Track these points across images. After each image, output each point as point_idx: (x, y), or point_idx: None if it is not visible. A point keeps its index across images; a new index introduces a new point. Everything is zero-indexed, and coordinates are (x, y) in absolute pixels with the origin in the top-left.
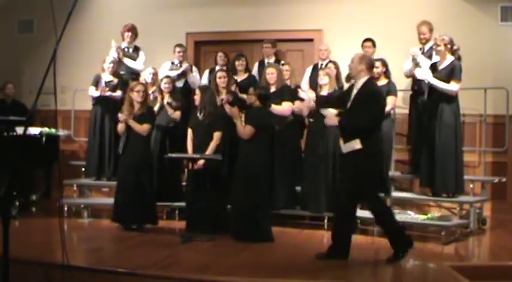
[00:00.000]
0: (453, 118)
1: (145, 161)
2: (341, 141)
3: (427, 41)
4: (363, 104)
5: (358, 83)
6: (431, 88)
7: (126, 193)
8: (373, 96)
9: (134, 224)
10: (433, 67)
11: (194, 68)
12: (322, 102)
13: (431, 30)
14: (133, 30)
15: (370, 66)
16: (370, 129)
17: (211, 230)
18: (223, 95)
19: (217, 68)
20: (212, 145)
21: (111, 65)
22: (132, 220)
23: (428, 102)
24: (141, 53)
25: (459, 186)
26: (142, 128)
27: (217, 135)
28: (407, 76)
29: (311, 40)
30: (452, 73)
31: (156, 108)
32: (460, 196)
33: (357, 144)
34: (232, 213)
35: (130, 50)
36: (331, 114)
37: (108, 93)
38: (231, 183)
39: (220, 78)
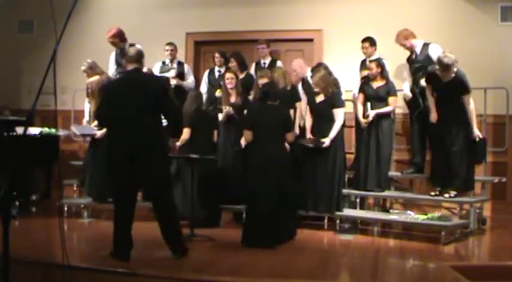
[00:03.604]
0: (465, 117)
1: None
2: None
3: (411, 47)
4: None
5: None
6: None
7: None
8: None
9: None
10: (438, 81)
11: (187, 68)
12: None
13: (406, 37)
14: (116, 37)
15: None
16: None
17: (208, 223)
18: (226, 108)
19: (216, 68)
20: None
21: (87, 72)
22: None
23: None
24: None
25: (470, 184)
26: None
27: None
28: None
29: (311, 40)
30: (462, 86)
31: None
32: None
33: None
34: (255, 216)
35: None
36: None
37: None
38: (250, 185)
39: (228, 79)
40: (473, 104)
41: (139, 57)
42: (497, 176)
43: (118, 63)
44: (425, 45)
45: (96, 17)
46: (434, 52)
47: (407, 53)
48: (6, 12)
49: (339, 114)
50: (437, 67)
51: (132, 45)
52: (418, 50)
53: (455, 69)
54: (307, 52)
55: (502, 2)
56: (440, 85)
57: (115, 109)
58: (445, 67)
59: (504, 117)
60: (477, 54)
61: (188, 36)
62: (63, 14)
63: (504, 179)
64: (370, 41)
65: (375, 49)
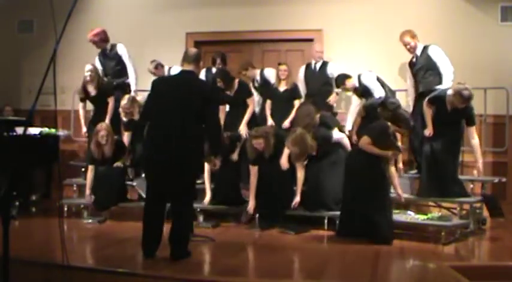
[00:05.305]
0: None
1: None
2: None
3: (414, 47)
4: None
5: None
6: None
7: None
8: None
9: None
10: (443, 105)
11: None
12: None
13: (413, 36)
14: (96, 36)
15: None
16: None
17: None
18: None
19: (214, 69)
20: None
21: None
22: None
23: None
24: (120, 48)
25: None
26: None
27: None
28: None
29: (311, 40)
30: (469, 117)
31: None
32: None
33: None
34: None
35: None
36: None
37: None
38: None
39: None
40: (477, 139)
41: (197, 59)
42: (497, 176)
43: (102, 64)
44: (425, 47)
45: (96, 17)
46: (434, 53)
47: (408, 53)
48: (6, 12)
49: None
50: (449, 93)
51: (113, 45)
52: (418, 52)
53: None
54: (307, 52)
55: (502, 2)
56: (445, 110)
57: (160, 107)
58: (466, 100)
59: (504, 117)
60: (477, 54)
61: (188, 36)
62: (63, 14)
63: (504, 179)
64: (342, 84)
65: (349, 79)
